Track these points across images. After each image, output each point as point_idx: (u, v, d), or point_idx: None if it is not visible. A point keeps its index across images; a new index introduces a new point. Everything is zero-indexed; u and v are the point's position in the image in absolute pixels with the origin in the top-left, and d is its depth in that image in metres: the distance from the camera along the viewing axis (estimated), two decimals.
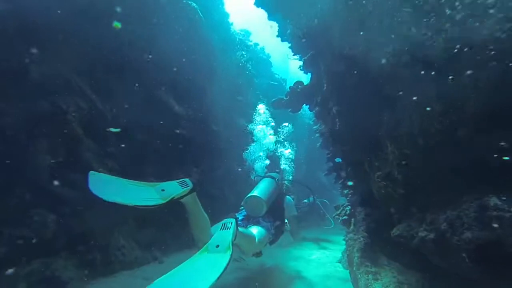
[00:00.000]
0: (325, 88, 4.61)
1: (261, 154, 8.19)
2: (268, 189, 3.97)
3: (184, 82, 6.85)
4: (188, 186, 2.90)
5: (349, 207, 6.82)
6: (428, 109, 2.80)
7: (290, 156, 9.24)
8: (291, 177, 7.32)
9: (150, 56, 4.94)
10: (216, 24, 8.21)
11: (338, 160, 9.27)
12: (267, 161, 8.18)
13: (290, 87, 7.20)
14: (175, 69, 6.19)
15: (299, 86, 6.78)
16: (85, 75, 4.30)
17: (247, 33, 10.97)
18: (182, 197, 2.84)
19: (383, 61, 2.95)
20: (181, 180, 2.94)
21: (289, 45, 6.24)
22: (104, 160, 4.50)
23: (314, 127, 11.01)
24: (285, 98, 7.29)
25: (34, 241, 3.65)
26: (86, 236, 4.18)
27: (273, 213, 3.92)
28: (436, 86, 2.64)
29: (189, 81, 7.05)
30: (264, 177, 4.45)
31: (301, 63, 9.50)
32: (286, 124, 9.61)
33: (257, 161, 8.01)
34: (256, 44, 11.86)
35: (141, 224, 5.21)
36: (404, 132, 3.23)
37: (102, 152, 4.47)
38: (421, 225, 3.12)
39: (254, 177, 5.19)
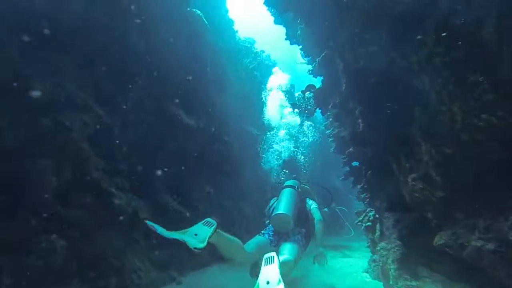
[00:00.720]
0: (344, 88, 4.26)
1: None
2: (292, 202, 3.88)
3: (193, 92, 6.57)
4: (213, 225, 2.96)
5: (372, 212, 6.39)
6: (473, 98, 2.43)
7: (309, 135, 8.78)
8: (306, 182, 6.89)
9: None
10: (222, 32, 7.97)
11: (355, 164, 8.88)
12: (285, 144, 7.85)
13: (302, 91, 6.86)
14: (185, 78, 5.92)
15: (312, 90, 6.44)
16: (90, 89, 4.02)
17: (252, 41, 10.71)
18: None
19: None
20: (204, 221, 3.03)
21: (300, 46, 5.93)
22: (114, 179, 4.19)
23: (327, 132, 10.66)
24: (298, 103, 6.95)
25: (43, 269, 3.33)
26: (98, 260, 3.84)
27: (300, 222, 3.87)
28: (484, 70, 2.28)
29: (198, 91, 6.77)
30: (284, 187, 4.29)
31: (310, 67, 9.18)
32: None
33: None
34: (262, 51, 11.59)
35: (155, 243, 4.86)
36: (442, 128, 2.86)
37: (112, 170, 4.16)
38: (473, 232, 2.72)
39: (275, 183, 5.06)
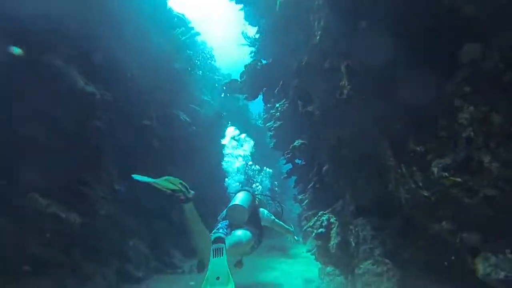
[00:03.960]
0: (318, 37, 2.77)
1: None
2: (247, 199, 3.69)
3: (97, 52, 4.52)
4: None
5: (326, 216, 5.09)
6: None
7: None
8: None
9: None
10: None
11: (299, 161, 7.63)
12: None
13: (245, 66, 5.29)
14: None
15: (259, 63, 4.89)
16: None
17: (184, 18, 8.77)
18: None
19: None
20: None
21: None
22: None
23: (267, 124, 9.24)
24: (239, 80, 5.35)
25: None
26: None
27: (253, 223, 3.69)
28: None
29: (106, 54, 4.74)
30: (240, 191, 4.00)
31: (252, 49, 7.66)
32: None
33: None
34: (196, 34, 9.73)
35: None
36: None
37: None
38: None
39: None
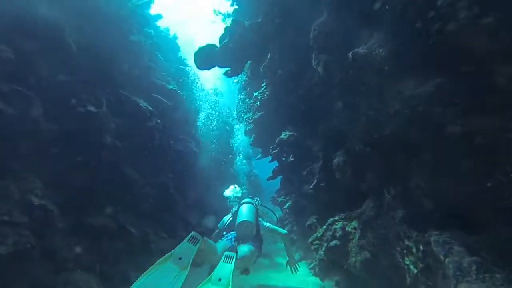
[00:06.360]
0: None
1: None
2: (253, 214, 3.71)
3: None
4: (199, 240, 2.62)
5: (340, 224, 3.72)
6: None
7: None
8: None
9: None
10: None
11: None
12: None
13: (226, 28, 3.84)
14: None
15: (247, 22, 3.44)
16: None
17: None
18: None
19: None
20: (189, 237, 2.60)
21: None
22: None
23: (245, 117, 7.73)
24: (218, 46, 3.87)
25: None
26: None
27: (257, 236, 3.76)
28: None
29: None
30: (244, 202, 3.93)
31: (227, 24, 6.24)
32: None
33: None
34: (159, 16, 8.06)
35: None
36: None
37: None
38: None
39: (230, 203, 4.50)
